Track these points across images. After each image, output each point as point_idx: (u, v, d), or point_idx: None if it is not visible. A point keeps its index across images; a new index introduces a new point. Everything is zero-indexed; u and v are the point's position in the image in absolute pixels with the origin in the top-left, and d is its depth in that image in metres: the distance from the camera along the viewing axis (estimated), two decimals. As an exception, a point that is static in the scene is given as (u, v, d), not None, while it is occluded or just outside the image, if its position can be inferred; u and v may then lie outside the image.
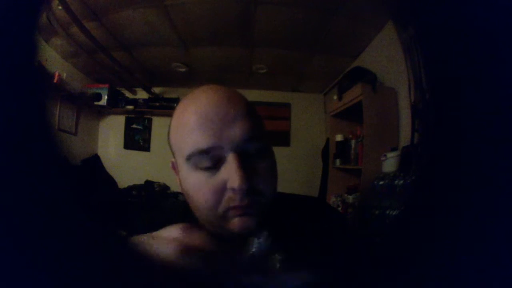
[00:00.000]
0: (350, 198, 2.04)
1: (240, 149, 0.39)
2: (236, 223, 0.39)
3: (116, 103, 2.90)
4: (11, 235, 0.31)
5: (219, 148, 0.38)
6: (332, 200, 2.17)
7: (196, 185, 0.40)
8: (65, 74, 2.33)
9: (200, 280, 0.38)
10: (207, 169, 0.39)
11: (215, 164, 0.39)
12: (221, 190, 0.39)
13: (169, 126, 0.47)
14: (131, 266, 0.34)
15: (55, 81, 2.21)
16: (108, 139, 3.09)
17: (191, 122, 0.40)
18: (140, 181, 2.83)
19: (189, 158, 0.39)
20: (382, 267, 0.36)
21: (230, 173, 0.38)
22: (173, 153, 0.46)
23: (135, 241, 0.43)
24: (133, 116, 3.09)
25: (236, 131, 0.39)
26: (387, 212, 1.40)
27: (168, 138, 0.47)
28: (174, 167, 0.47)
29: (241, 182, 0.37)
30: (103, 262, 0.34)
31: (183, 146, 0.41)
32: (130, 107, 2.96)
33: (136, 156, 3.07)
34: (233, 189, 0.38)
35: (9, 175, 0.31)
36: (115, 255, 0.37)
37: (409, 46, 1.53)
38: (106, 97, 2.75)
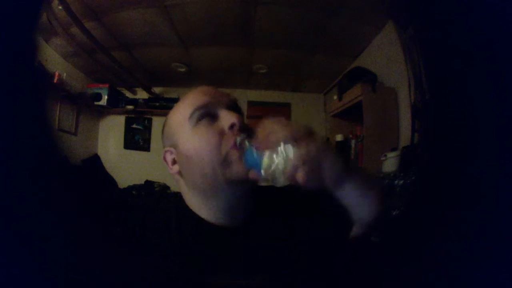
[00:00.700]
0: (350, 198, 2.04)
1: (230, 108, 0.49)
2: (237, 166, 0.44)
3: (116, 103, 2.90)
4: (11, 235, 0.31)
5: (213, 104, 0.48)
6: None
7: (198, 137, 0.47)
8: (65, 74, 2.33)
9: None
10: (206, 120, 0.47)
11: (212, 118, 0.48)
12: (220, 133, 0.46)
13: (166, 119, 0.53)
14: None
15: (55, 81, 2.21)
16: (108, 139, 3.08)
17: (190, 97, 0.50)
18: (140, 181, 2.83)
19: (190, 116, 0.47)
20: (382, 266, 0.36)
21: (225, 118, 0.47)
22: (168, 140, 0.51)
23: None
24: (133, 116, 3.09)
25: (226, 97, 0.51)
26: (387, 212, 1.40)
27: (164, 128, 0.53)
28: (166, 158, 0.51)
29: (236, 118, 0.46)
30: (102, 262, 0.34)
31: (184, 112, 0.48)
32: (130, 107, 2.95)
33: (136, 156, 3.07)
34: (231, 126, 0.46)
35: (9, 175, 0.31)
36: (114, 255, 0.37)
37: (409, 46, 1.53)
38: (106, 97, 2.74)
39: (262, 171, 0.38)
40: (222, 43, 2.20)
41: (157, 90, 3.06)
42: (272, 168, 0.37)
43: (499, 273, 0.32)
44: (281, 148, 0.36)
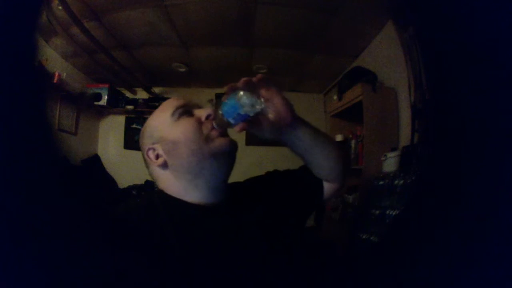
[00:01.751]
0: (350, 198, 2.04)
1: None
2: (219, 140, 0.54)
3: (116, 103, 2.89)
4: (11, 235, 0.31)
5: (189, 105, 0.58)
6: (332, 200, 2.17)
7: (181, 126, 0.55)
8: (65, 74, 2.33)
9: None
10: (186, 115, 0.56)
11: (190, 114, 0.57)
12: (198, 121, 0.56)
13: (145, 124, 0.60)
14: None
15: (55, 81, 2.21)
16: (108, 139, 3.08)
17: (168, 102, 0.59)
18: (140, 181, 2.83)
19: (173, 113, 0.56)
20: (382, 266, 0.36)
21: (201, 111, 0.57)
22: (150, 139, 0.58)
23: None
24: (133, 116, 3.08)
25: (197, 102, 0.61)
26: (387, 212, 1.40)
27: (145, 130, 0.59)
28: (149, 155, 0.57)
29: (210, 110, 0.56)
30: (102, 261, 0.34)
31: (166, 112, 0.57)
32: (130, 107, 2.95)
33: (136, 156, 3.05)
34: (207, 116, 0.56)
35: (9, 175, 0.31)
36: (113, 254, 0.37)
37: (409, 46, 1.53)
38: (106, 97, 2.74)
39: (241, 107, 0.47)
40: (222, 43, 2.20)
41: (157, 90, 3.06)
42: (244, 97, 0.46)
43: (499, 273, 0.32)
44: (243, 91, 0.47)
